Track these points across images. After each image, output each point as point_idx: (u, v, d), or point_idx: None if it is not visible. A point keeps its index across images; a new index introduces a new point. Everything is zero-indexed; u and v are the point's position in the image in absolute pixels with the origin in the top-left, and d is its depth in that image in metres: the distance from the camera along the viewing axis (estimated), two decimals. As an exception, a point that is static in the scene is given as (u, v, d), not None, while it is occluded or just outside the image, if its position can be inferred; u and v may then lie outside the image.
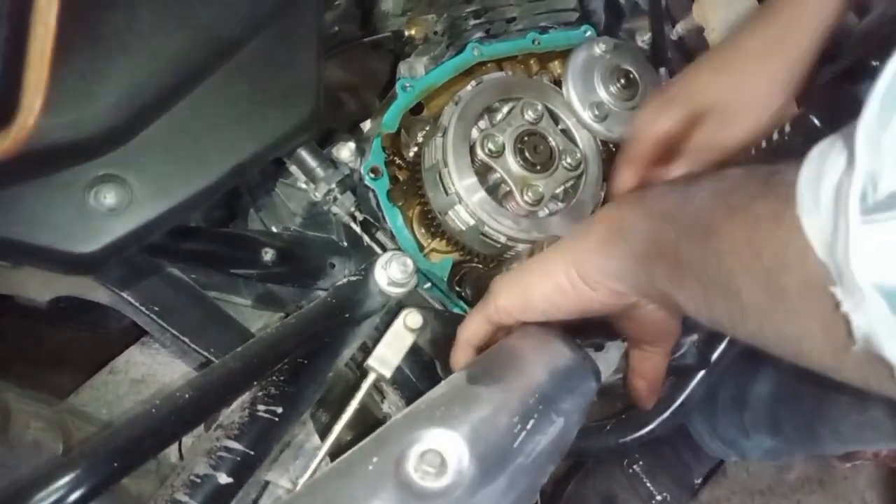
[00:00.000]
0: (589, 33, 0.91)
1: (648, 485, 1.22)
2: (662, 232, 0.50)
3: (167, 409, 0.53)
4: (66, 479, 0.48)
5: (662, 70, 0.88)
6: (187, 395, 0.54)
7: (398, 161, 0.87)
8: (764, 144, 0.57)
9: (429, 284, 0.81)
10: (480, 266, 0.85)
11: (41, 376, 1.18)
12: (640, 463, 1.19)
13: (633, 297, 0.56)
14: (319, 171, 0.75)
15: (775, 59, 0.66)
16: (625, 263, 0.53)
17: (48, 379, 1.19)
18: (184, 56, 0.64)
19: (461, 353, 0.66)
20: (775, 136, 0.56)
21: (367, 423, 0.83)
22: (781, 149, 0.55)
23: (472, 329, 0.65)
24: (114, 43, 0.61)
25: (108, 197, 0.61)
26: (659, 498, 1.22)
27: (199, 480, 0.60)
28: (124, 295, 0.74)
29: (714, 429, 1.20)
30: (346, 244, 0.82)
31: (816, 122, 0.53)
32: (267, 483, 0.73)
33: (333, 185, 0.75)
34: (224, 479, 0.61)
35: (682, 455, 1.26)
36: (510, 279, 0.63)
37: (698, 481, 1.30)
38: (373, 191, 0.79)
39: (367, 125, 0.88)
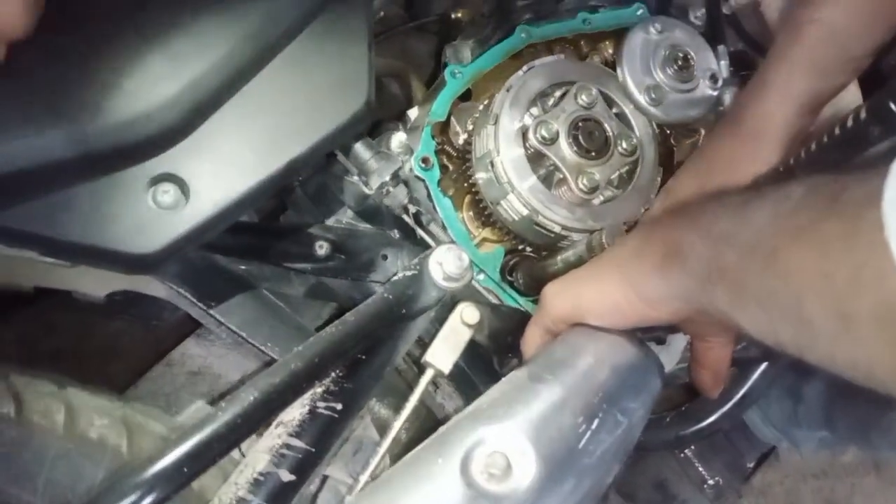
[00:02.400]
0: (641, 11, 0.89)
1: (700, 469, 1.21)
2: (722, 255, 0.49)
3: (234, 412, 0.53)
4: (138, 485, 0.48)
5: (720, 48, 0.85)
6: (252, 398, 0.54)
7: (448, 149, 0.85)
8: (837, 131, 0.54)
9: (482, 275, 0.80)
10: (533, 255, 0.83)
11: (93, 368, 1.20)
12: (692, 447, 1.18)
13: (692, 314, 0.55)
14: (372, 164, 0.74)
15: (751, 163, 0.70)
16: (684, 285, 0.53)
17: (100, 370, 1.21)
18: (235, 51, 0.63)
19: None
20: (850, 124, 0.53)
21: (422, 414, 0.83)
22: (856, 138, 0.53)
23: (534, 342, 0.66)
24: (166, 41, 0.61)
25: (167, 196, 0.61)
26: (711, 482, 1.21)
27: (262, 478, 0.61)
28: (182, 291, 0.74)
29: (767, 416, 1.18)
30: (398, 235, 0.81)
31: (894, 107, 0.50)
32: (326, 477, 0.73)
33: (386, 178, 0.74)
34: (286, 476, 0.61)
35: (734, 439, 1.24)
36: (562, 291, 0.63)
37: (750, 465, 1.29)
38: (423, 181, 0.78)
39: (414, 112, 0.86)
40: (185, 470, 0.49)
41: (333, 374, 0.64)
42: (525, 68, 0.81)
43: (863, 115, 0.52)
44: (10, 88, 0.55)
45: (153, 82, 0.60)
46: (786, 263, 0.42)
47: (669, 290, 0.54)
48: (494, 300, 0.79)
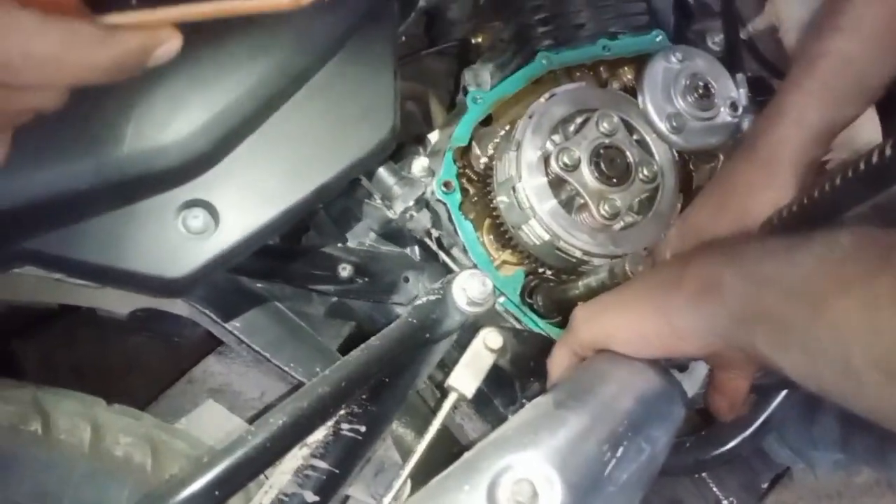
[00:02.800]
0: (660, 38, 0.90)
1: (715, 489, 1.21)
2: (764, 297, 0.49)
3: (263, 437, 0.54)
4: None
5: (739, 76, 0.86)
6: (281, 422, 0.55)
7: (469, 173, 0.86)
8: (862, 166, 0.55)
9: (502, 298, 0.80)
10: (553, 278, 0.84)
11: (114, 382, 1.21)
12: (706, 469, 1.18)
13: (721, 349, 0.55)
14: (396, 189, 0.75)
15: (766, 190, 0.71)
16: (720, 322, 0.53)
17: (120, 385, 1.22)
18: (264, 81, 0.64)
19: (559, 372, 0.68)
20: (875, 160, 0.54)
21: (442, 437, 0.83)
22: (881, 174, 0.53)
23: (561, 363, 0.66)
24: (198, 71, 0.62)
25: (196, 221, 0.62)
26: (725, 503, 1.21)
27: (286, 499, 0.62)
28: (206, 311, 0.75)
29: (783, 437, 1.18)
30: (419, 258, 0.82)
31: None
32: (348, 497, 0.74)
33: (410, 203, 0.75)
34: (311, 497, 0.62)
35: (749, 460, 1.24)
36: (592, 317, 0.63)
37: (765, 486, 1.28)
38: (444, 205, 0.79)
39: (434, 136, 0.87)
40: (217, 493, 0.50)
41: (357, 397, 0.65)
42: (547, 95, 0.82)
43: (888, 151, 0.53)
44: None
45: (184, 111, 0.61)
46: (833, 314, 0.42)
47: (703, 324, 0.54)
48: (514, 323, 0.80)
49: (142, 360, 1.18)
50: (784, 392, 0.76)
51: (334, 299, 0.87)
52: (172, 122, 0.60)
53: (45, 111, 0.43)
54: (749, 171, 0.75)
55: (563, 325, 0.83)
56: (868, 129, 0.77)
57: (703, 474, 1.19)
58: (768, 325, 0.48)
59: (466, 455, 0.57)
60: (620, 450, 0.56)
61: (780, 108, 0.74)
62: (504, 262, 0.85)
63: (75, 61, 0.37)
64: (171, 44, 0.39)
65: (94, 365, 1.18)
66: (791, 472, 1.39)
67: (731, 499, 1.22)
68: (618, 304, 0.62)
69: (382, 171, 0.75)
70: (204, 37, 0.63)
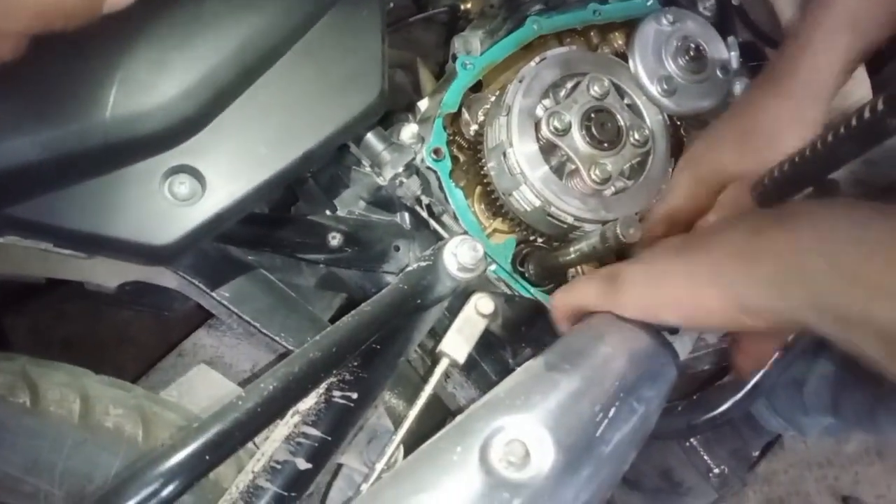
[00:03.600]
0: (651, 2, 0.88)
1: (706, 457, 1.21)
2: (862, 275, 0.46)
3: (254, 402, 0.53)
4: (160, 473, 0.49)
5: (731, 39, 0.85)
6: (272, 387, 0.55)
7: (459, 140, 0.86)
8: (854, 122, 0.54)
9: (493, 266, 0.80)
10: (544, 246, 0.84)
11: (104, 356, 1.21)
12: (698, 437, 1.19)
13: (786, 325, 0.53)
14: (385, 156, 0.74)
15: (795, 126, 0.69)
16: (804, 305, 0.50)
17: (110, 359, 1.22)
18: (249, 44, 0.64)
19: (567, 319, 0.67)
20: (866, 115, 0.53)
21: (432, 404, 0.83)
22: (873, 130, 0.53)
23: (572, 315, 0.65)
24: (182, 32, 0.61)
25: (182, 188, 0.61)
26: (717, 471, 1.21)
27: (278, 466, 0.62)
28: (195, 281, 0.75)
29: (772, 404, 1.18)
30: (409, 226, 0.81)
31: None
32: (340, 466, 0.74)
33: (400, 169, 0.74)
34: (303, 464, 0.62)
35: (739, 428, 1.24)
36: (646, 281, 0.60)
37: (755, 454, 1.29)
38: (435, 172, 0.79)
39: (424, 104, 0.86)
40: (207, 458, 0.50)
41: (348, 364, 0.65)
42: (537, 59, 0.81)
43: (880, 106, 0.52)
44: (29, 81, 0.56)
45: (168, 75, 0.60)
46: None
47: (784, 305, 0.51)
48: (506, 290, 0.79)
49: (131, 333, 1.18)
50: (775, 355, 0.76)
51: (324, 270, 0.87)
52: (157, 86, 0.59)
53: (3, 60, 0.42)
54: (775, 105, 0.71)
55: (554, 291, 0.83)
56: (860, 88, 0.76)
57: (694, 442, 1.19)
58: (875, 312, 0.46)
59: (458, 418, 0.57)
60: (612, 410, 0.56)
61: (805, 39, 0.71)
62: (495, 230, 0.84)
63: (27, 5, 0.35)
64: None
65: (83, 339, 1.17)
66: (782, 440, 1.40)
67: (721, 467, 1.22)
68: (678, 272, 0.58)
69: (371, 137, 0.74)
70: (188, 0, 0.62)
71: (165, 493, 0.49)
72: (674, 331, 0.70)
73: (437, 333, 0.73)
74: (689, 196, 0.74)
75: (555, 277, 0.84)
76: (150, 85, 0.59)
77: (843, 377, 1.03)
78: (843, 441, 1.48)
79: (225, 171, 0.63)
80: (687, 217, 0.74)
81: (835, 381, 1.03)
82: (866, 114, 0.54)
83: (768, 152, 0.66)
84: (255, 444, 0.73)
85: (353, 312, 0.63)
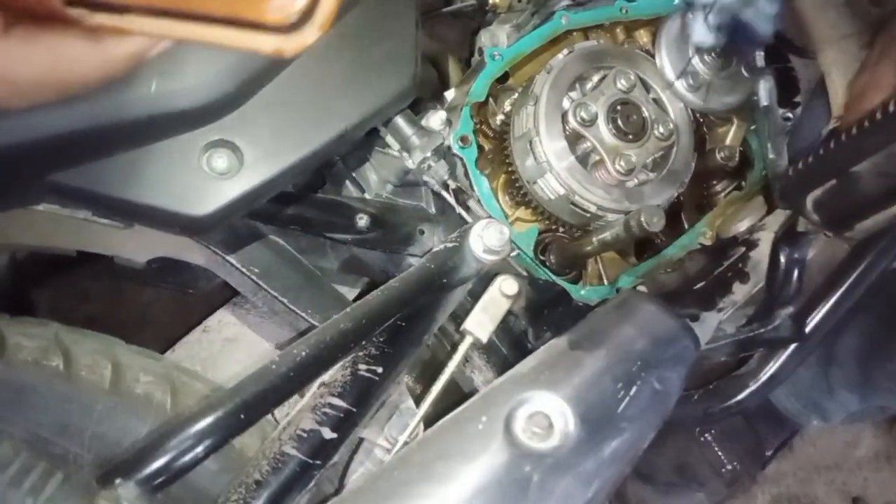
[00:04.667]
0: (677, 1, 0.90)
1: (719, 453, 1.22)
2: None
3: (287, 366, 0.55)
4: (197, 429, 0.51)
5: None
6: (304, 353, 0.56)
7: (485, 129, 0.87)
8: (879, 116, 0.56)
9: (515, 252, 0.82)
10: (565, 236, 0.85)
11: (126, 335, 1.22)
12: (713, 431, 1.19)
13: None
14: (415, 140, 0.76)
15: None
16: None
17: (132, 337, 1.23)
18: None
19: None
20: (891, 108, 0.55)
21: (451, 387, 0.85)
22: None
23: None
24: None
25: (220, 161, 0.63)
26: (729, 467, 1.22)
27: (305, 434, 0.63)
28: (226, 256, 0.76)
29: (795, 388, 1.16)
30: (435, 211, 0.83)
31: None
32: (361, 440, 0.75)
33: (428, 154, 0.76)
34: (328, 433, 0.63)
35: (755, 424, 1.24)
36: None
37: (769, 453, 1.29)
38: (461, 159, 0.80)
39: (451, 93, 0.88)
40: (242, 416, 0.52)
41: (375, 339, 0.67)
42: (566, 51, 0.83)
43: (904, 99, 0.54)
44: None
45: (210, 52, 0.62)
46: None
47: None
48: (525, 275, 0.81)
49: (153, 314, 1.20)
50: (793, 347, 0.77)
51: (348, 254, 0.89)
52: (199, 63, 0.61)
53: None
54: None
55: (576, 280, 0.85)
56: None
57: (709, 437, 1.20)
58: None
59: (483, 390, 0.59)
60: (634, 388, 0.58)
61: None
62: (518, 218, 0.86)
63: (64, 78, 0.36)
64: (164, 44, 0.37)
65: (105, 318, 1.19)
66: (791, 443, 1.40)
67: (734, 463, 1.23)
68: None
69: (400, 121, 0.76)
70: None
71: (201, 448, 0.50)
72: (694, 318, 0.72)
73: (459, 317, 0.75)
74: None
75: (575, 266, 0.86)
76: (192, 61, 0.61)
77: (874, 346, 1.01)
78: (851, 445, 1.48)
79: (262, 148, 0.64)
80: None
81: (864, 351, 1.01)
82: (891, 107, 0.55)
83: None
84: (275, 419, 0.75)
85: (381, 288, 0.65)
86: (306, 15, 0.30)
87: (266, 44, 0.31)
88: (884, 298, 1.02)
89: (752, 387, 0.78)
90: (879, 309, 1.01)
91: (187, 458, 0.50)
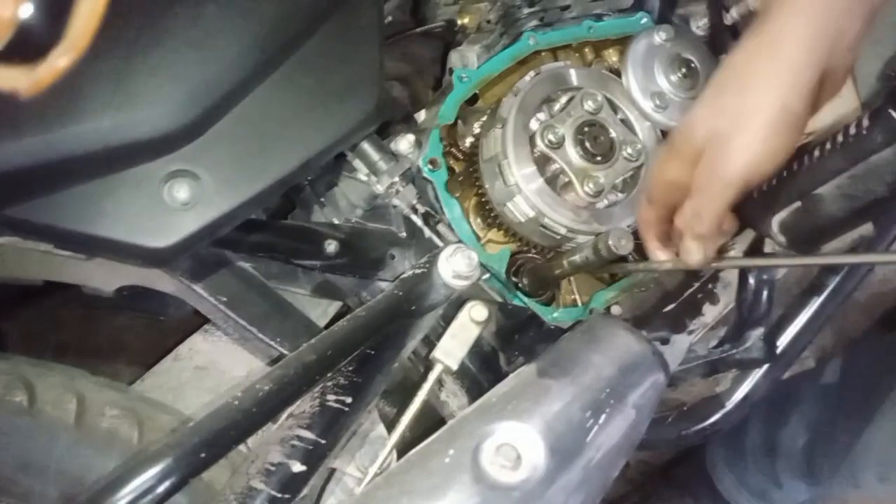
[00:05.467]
0: (645, 20, 0.90)
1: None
2: None
3: (249, 402, 0.54)
4: (156, 469, 0.50)
5: (722, 57, 0.87)
6: (267, 388, 0.55)
7: (454, 152, 0.87)
8: (840, 138, 0.56)
9: (487, 275, 0.81)
10: (538, 257, 0.85)
11: (98, 362, 1.21)
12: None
13: None
14: (382, 164, 0.76)
15: (769, 65, 0.56)
16: None
17: (105, 365, 1.22)
18: (249, 51, 0.65)
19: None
20: (852, 131, 0.55)
21: (427, 413, 0.84)
22: (859, 146, 0.54)
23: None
24: (182, 40, 0.62)
25: (181, 192, 0.62)
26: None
27: (273, 468, 0.62)
28: (193, 286, 0.75)
29: (742, 479, 1.16)
30: (405, 235, 0.82)
31: (896, 115, 0.52)
32: (333, 470, 0.74)
33: (396, 178, 0.75)
34: (297, 467, 0.62)
35: None
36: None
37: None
38: (431, 182, 0.80)
39: (421, 116, 0.88)
40: (203, 455, 0.51)
41: (343, 369, 0.66)
42: (532, 73, 0.83)
43: (865, 122, 0.54)
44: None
45: (169, 81, 0.61)
46: None
47: None
48: (500, 299, 0.80)
49: (127, 340, 1.18)
50: (765, 367, 0.77)
51: (320, 278, 0.88)
52: (157, 92, 0.60)
53: None
54: (748, 48, 0.58)
55: (549, 300, 0.84)
56: (846, 104, 0.77)
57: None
58: None
59: (451, 422, 0.58)
60: (603, 416, 0.57)
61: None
62: (490, 240, 0.85)
63: None
64: None
65: (78, 345, 1.18)
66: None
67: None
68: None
69: (367, 146, 0.75)
70: (188, 7, 0.63)
71: (161, 489, 0.49)
72: (665, 340, 0.71)
73: (432, 341, 0.74)
74: (667, 164, 0.64)
75: (548, 288, 0.85)
76: (151, 90, 0.60)
77: (816, 434, 1.02)
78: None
79: (223, 177, 0.64)
80: (665, 192, 0.66)
81: (808, 440, 1.02)
82: (852, 129, 0.55)
83: (738, 108, 0.57)
84: (248, 447, 0.74)
85: (348, 317, 0.64)
86: (51, 36, 0.28)
87: (2, 79, 0.29)
88: (824, 388, 1.04)
89: (727, 408, 0.78)
90: (821, 399, 1.03)
91: (146, 499, 0.49)
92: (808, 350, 1.56)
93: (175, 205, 0.62)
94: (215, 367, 0.92)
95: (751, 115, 0.56)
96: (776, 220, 0.65)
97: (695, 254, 0.62)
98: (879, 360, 1.01)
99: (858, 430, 0.94)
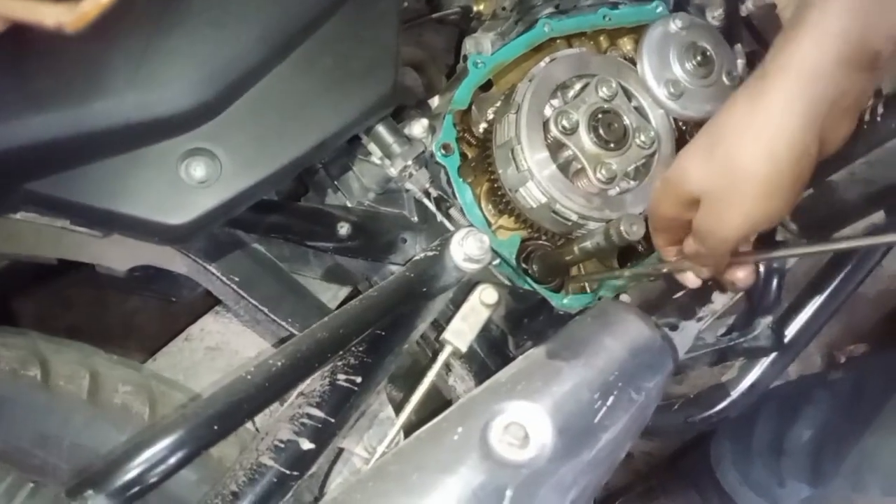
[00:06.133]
0: (660, 9, 0.90)
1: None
2: None
3: (262, 376, 0.55)
4: (170, 440, 0.50)
5: (738, 46, 0.87)
6: (280, 363, 0.56)
7: (468, 137, 0.87)
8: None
9: (497, 261, 0.81)
10: (548, 244, 0.85)
11: (108, 344, 1.22)
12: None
13: None
14: (396, 147, 0.76)
15: (761, 131, 0.54)
16: None
17: (116, 347, 1.22)
18: (269, 31, 0.65)
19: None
20: (866, 118, 0.55)
21: (434, 397, 0.84)
22: (875, 132, 0.54)
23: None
24: (203, 19, 0.62)
25: (199, 170, 0.63)
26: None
27: (282, 445, 0.63)
28: (207, 265, 0.76)
29: (746, 476, 1.16)
30: (417, 220, 0.83)
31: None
32: (341, 450, 0.75)
33: (410, 162, 0.76)
34: (306, 444, 0.63)
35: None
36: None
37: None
38: (443, 167, 0.80)
39: (434, 101, 0.88)
40: (216, 427, 0.51)
41: (353, 349, 0.66)
42: (548, 59, 0.83)
43: (880, 109, 0.54)
44: (55, 59, 0.58)
45: (189, 59, 0.62)
46: None
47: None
48: (508, 284, 0.81)
49: (137, 323, 1.19)
50: (773, 356, 0.77)
51: (331, 262, 0.88)
52: (177, 70, 0.61)
53: None
54: (741, 106, 0.57)
55: (558, 288, 0.84)
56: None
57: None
58: None
59: (460, 401, 0.58)
60: (611, 399, 0.58)
61: (792, 23, 0.55)
62: (501, 227, 0.86)
63: None
64: None
65: (89, 327, 1.19)
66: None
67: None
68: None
69: (382, 129, 0.76)
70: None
71: (174, 459, 0.50)
72: (674, 326, 0.71)
73: (441, 325, 0.75)
74: (662, 202, 0.64)
75: (557, 275, 0.85)
76: (171, 69, 0.61)
77: (824, 437, 1.01)
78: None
79: (240, 157, 0.64)
80: (668, 225, 0.66)
81: (815, 441, 1.01)
82: (867, 116, 0.55)
83: (730, 170, 0.56)
84: (256, 427, 0.75)
85: (360, 297, 0.65)
86: None
87: (48, 16, 0.31)
88: (835, 391, 1.04)
89: (733, 396, 0.79)
90: (832, 403, 1.02)
91: (159, 469, 0.50)
92: (815, 345, 1.57)
93: (192, 183, 0.63)
94: (227, 347, 0.93)
95: (743, 179, 0.55)
96: (788, 207, 0.65)
97: (704, 274, 0.64)
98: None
99: (867, 440, 0.94)
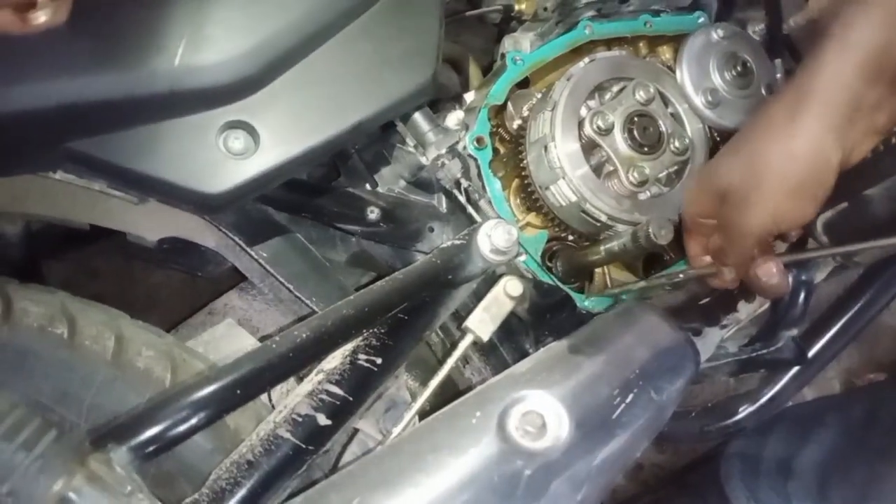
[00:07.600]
0: (702, 20, 0.90)
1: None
2: None
3: (286, 346, 0.55)
4: (193, 399, 0.51)
5: (778, 61, 0.87)
6: (304, 335, 0.57)
7: (501, 133, 0.88)
8: (893, 141, 0.56)
9: (522, 257, 0.82)
10: (574, 244, 0.85)
11: (132, 315, 1.23)
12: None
13: None
14: (431, 136, 0.77)
15: (788, 142, 0.57)
16: None
17: (138, 318, 1.24)
18: (314, 12, 0.66)
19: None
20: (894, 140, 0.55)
21: (450, 389, 0.85)
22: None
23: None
24: (251, -3, 0.64)
25: (237, 142, 0.64)
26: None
27: (300, 419, 0.63)
28: (237, 239, 0.77)
29: (754, 494, 1.15)
30: (445, 210, 0.83)
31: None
32: (356, 431, 0.75)
33: (443, 151, 0.76)
34: (323, 420, 0.64)
35: None
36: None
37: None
38: (475, 160, 0.81)
39: (470, 96, 0.89)
40: (238, 392, 0.52)
41: (376, 330, 0.67)
42: (587, 59, 0.83)
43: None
44: (107, 23, 0.59)
45: (236, 33, 0.63)
46: None
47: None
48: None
49: (163, 296, 1.21)
50: (795, 370, 0.77)
51: (357, 247, 0.89)
52: (223, 42, 0.62)
53: None
54: (773, 108, 0.60)
55: (580, 290, 0.85)
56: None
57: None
58: None
59: (479, 387, 0.59)
60: (630, 396, 0.58)
61: (822, 36, 0.57)
62: (528, 223, 0.86)
63: None
64: None
65: (114, 297, 1.20)
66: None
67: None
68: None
69: (418, 116, 0.76)
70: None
71: (195, 419, 0.51)
72: (697, 332, 0.71)
73: (462, 317, 0.75)
74: (694, 197, 0.69)
75: (581, 276, 0.86)
76: (218, 41, 0.62)
77: (833, 461, 1.01)
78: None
79: (278, 132, 0.65)
80: (698, 225, 0.71)
81: (824, 465, 1.00)
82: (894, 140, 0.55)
83: (752, 159, 0.60)
84: (272, 404, 0.76)
85: (386, 279, 0.65)
86: None
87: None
88: (848, 417, 1.03)
89: (751, 408, 0.78)
90: (845, 428, 1.02)
91: (181, 428, 0.51)
92: (835, 370, 1.56)
93: (229, 154, 0.64)
94: (248, 323, 0.94)
95: (764, 176, 0.59)
96: (821, 220, 0.65)
97: (727, 275, 0.67)
98: None
99: (878, 470, 0.93)
